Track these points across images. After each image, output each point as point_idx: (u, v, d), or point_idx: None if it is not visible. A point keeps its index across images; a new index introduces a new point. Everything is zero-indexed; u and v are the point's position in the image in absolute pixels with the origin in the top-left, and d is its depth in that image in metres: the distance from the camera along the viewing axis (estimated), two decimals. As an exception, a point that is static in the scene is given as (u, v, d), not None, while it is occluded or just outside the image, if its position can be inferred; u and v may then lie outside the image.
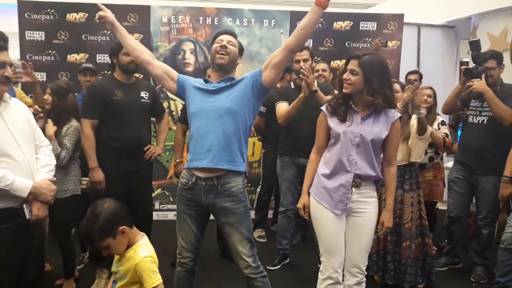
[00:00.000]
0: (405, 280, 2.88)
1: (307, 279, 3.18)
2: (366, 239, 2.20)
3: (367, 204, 2.18)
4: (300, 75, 2.96)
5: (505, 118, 2.92)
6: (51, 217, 2.59)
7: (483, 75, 3.00)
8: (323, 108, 2.23)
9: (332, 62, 4.47)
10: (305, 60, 3.12)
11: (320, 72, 3.44)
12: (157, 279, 1.77)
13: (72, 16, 4.15)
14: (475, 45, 3.11)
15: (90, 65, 3.76)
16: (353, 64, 2.09)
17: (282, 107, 3.14)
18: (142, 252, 1.80)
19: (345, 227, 2.19)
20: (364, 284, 2.24)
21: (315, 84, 2.95)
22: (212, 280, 3.18)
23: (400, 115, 2.22)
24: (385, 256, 2.93)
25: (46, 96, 2.87)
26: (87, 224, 1.75)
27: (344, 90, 2.12)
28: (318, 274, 2.24)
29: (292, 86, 3.30)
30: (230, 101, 2.11)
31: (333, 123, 2.16)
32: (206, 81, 2.24)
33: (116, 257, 1.86)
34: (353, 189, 2.15)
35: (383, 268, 2.94)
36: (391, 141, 2.17)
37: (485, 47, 4.17)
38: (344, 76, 2.11)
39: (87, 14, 4.15)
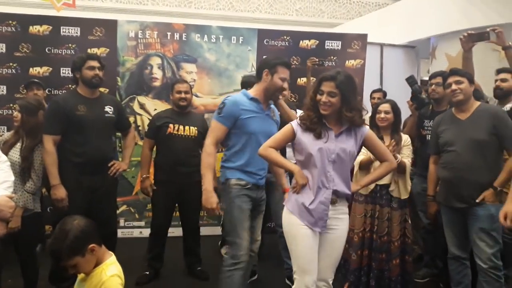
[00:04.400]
0: None
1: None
2: (337, 254, 2.24)
3: (340, 221, 2.20)
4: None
5: None
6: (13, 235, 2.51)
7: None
8: (294, 124, 2.20)
9: (298, 79, 4.55)
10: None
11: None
12: None
13: (35, 28, 4.04)
14: (411, 80, 3.49)
15: (35, 80, 3.83)
16: (329, 86, 2.08)
17: None
18: (110, 271, 1.75)
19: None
20: (330, 298, 2.25)
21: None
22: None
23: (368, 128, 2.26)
24: (369, 273, 2.96)
25: (16, 114, 2.79)
26: (55, 242, 1.68)
27: (323, 112, 2.11)
28: None
29: None
30: None
31: (308, 139, 2.14)
32: None
33: (81, 276, 1.80)
34: (330, 205, 2.15)
35: (366, 285, 2.98)
36: (374, 145, 2.26)
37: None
38: (323, 99, 2.09)
39: (51, 27, 4.06)
